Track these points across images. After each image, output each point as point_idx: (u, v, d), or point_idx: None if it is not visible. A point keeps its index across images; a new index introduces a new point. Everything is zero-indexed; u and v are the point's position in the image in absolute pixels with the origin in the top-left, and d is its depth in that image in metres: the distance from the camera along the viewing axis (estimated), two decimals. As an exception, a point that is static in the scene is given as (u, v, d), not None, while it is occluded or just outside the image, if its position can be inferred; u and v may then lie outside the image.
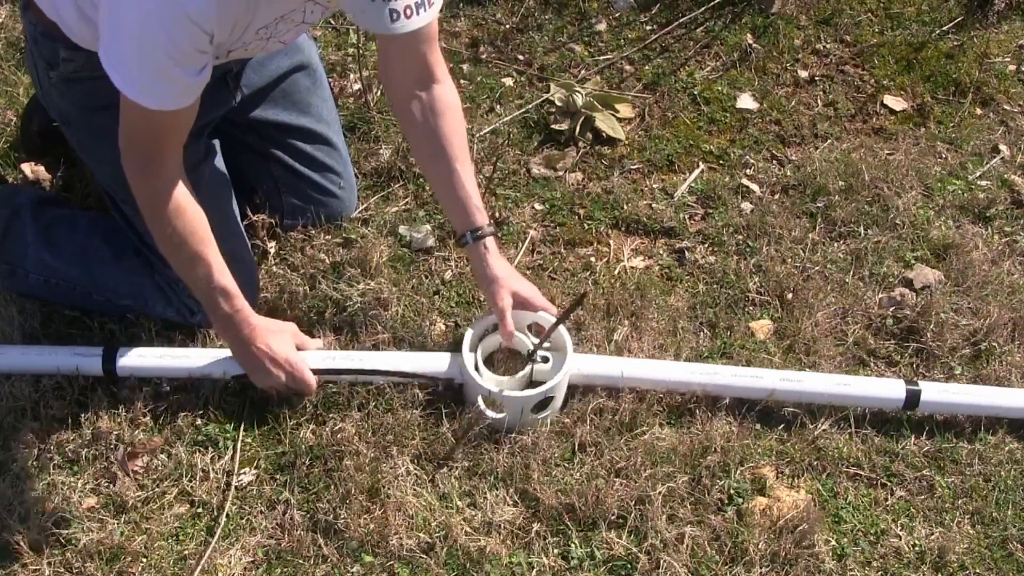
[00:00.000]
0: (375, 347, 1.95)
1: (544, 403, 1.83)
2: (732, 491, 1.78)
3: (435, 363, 1.86)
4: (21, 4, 1.76)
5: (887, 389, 1.89)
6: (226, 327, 1.75)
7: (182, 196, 1.61)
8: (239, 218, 1.99)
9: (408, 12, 1.42)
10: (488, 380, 1.81)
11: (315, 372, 1.82)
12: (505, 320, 1.80)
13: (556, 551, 1.69)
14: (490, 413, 1.80)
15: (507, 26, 2.78)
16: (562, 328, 1.83)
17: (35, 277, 1.94)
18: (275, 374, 1.77)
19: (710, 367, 1.92)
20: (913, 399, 1.87)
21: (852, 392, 1.89)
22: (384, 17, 1.41)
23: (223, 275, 1.68)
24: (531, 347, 1.84)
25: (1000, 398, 1.91)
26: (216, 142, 1.96)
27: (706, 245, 2.27)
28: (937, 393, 1.89)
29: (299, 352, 1.81)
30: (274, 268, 2.11)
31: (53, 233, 1.94)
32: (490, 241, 1.82)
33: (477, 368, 1.82)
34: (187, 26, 1.38)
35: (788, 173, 2.47)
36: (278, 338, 1.79)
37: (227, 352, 1.84)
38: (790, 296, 2.14)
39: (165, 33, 1.38)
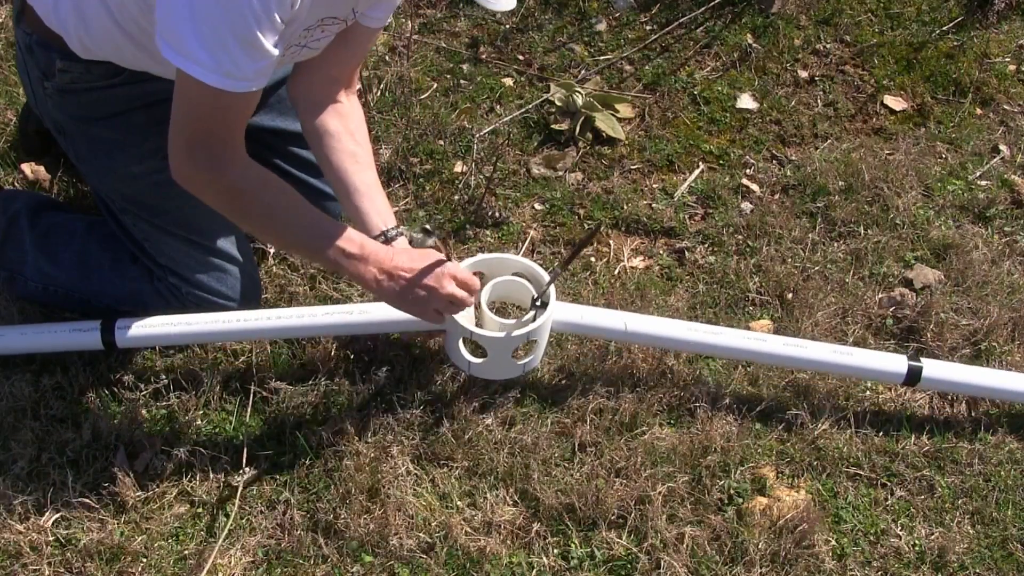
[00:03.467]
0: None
1: (525, 349, 1.81)
2: (732, 491, 1.78)
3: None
4: (14, 14, 1.74)
5: (889, 363, 1.88)
6: (363, 272, 1.62)
7: (258, 171, 1.56)
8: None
9: None
10: (486, 321, 1.78)
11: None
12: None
13: (556, 551, 1.69)
14: (470, 358, 1.79)
15: (507, 26, 2.78)
16: (547, 279, 1.80)
17: (35, 284, 1.94)
18: (444, 288, 1.63)
19: (714, 327, 1.89)
20: (914, 375, 1.86)
21: (854, 363, 1.87)
22: None
23: (335, 223, 1.61)
24: (534, 294, 1.81)
25: (1001, 381, 1.90)
26: None
27: (706, 245, 2.27)
28: (938, 371, 1.88)
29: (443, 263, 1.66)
30: (274, 268, 2.11)
31: (50, 240, 1.94)
32: (401, 242, 1.76)
33: (480, 315, 1.79)
34: None
35: (788, 173, 2.47)
36: (422, 252, 1.68)
37: (224, 315, 1.83)
38: (790, 296, 2.14)
39: None
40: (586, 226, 2.29)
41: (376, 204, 1.77)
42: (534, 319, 1.77)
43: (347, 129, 1.78)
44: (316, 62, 1.75)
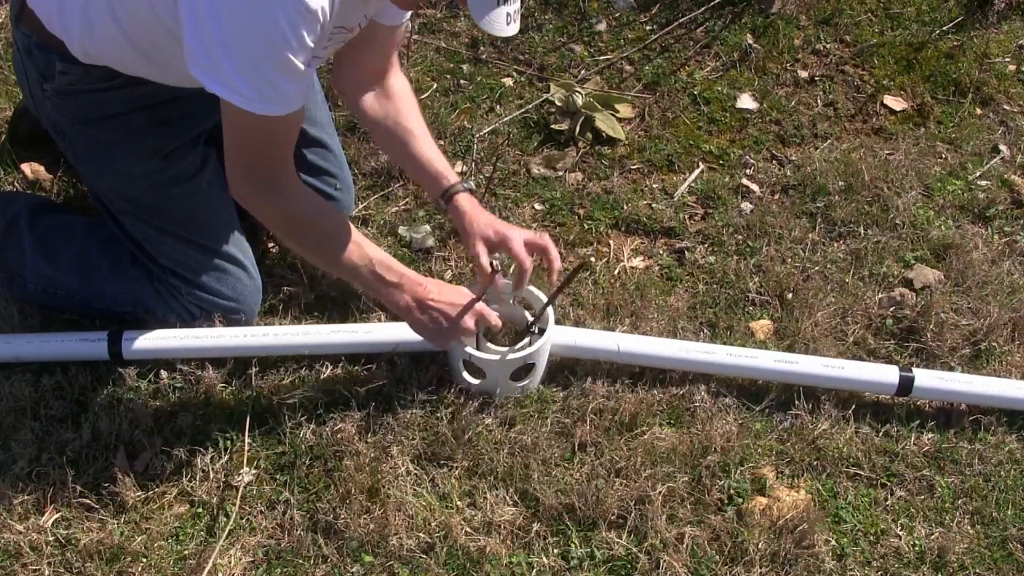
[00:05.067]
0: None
1: (524, 372, 1.85)
2: (732, 491, 1.78)
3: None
4: (12, 16, 1.74)
5: (881, 374, 1.89)
6: (397, 299, 1.72)
7: (311, 196, 1.65)
8: (240, 221, 1.99)
9: (515, 17, 1.48)
10: (486, 350, 1.84)
11: None
12: (480, 266, 1.83)
13: (556, 551, 1.69)
14: (470, 379, 1.85)
15: (507, 26, 2.78)
16: (544, 300, 1.86)
17: (34, 286, 1.93)
18: (465, 322, 1.75)
19: (706, 346, 1.93)
20: (906, 385, 1.88)
21: (846, 375, 1.89)
22: (501, 20, 1.46)
23: (376, 249, 1.70)
24: (529, 320, 1.87)
25: (993, 388, 1.91)
26: (213, 149, 1.96)
27: (706, 245, 2.27)
28: (930, 380, 1.89)
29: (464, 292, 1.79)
30: (274, 268, 2.11)
31: (50, 242, 1.94)
32: (462, 198, 1.85)
33: (477, 340, 1.85)
34: (304, 14, 1.37)
35: (788, 173, 2.47)
36: (449, 286, 1.79)
37: (225, 331, 1.86)
38: (790, 296, 2.14)
39: (284, 20, 1.36)
40: (586, 226, 2.29)
41: (427, 173, 1.87)
42: (530, 344, 1.83)
43: (387, 110, 1.88)
44: (350, 64, 1.85)
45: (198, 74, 1.42)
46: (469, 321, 1.75)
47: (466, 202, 1.84)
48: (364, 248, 1.68)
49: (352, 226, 1.68)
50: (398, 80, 1.90)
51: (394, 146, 1.90)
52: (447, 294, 1.75)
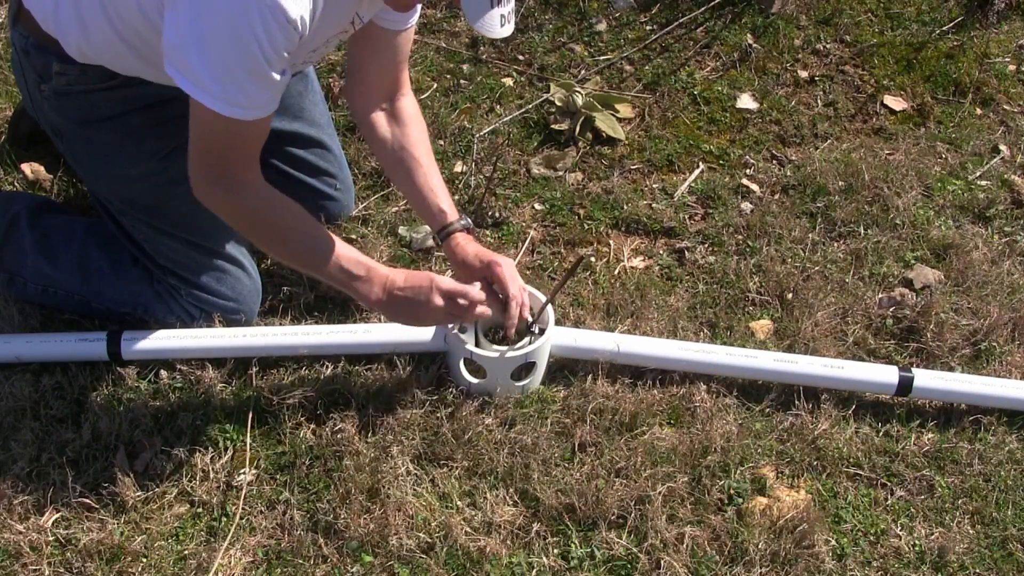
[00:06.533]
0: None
1: (524, 371, 1.86)
2: (732, 491, 1.78)
3: (422, 332, 1.88)
4: (10, 16, 1.74)
5: (880, 374, 1.90)
6: (367, 292, 1.70)
7: (273, 195, 1.63)
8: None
9: (509, 18, 1.49)
10: (482, 347, 1.84)
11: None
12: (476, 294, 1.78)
13: (556, 551, 1.69)
14: (470, 378, 1.85)
15: (507, 26, 2.78)
16: (543, 300, 1.87)
17: (34, 286, 1.93)
18: (433, 301, 1.70)
19: (705, 346, 1.94)
20: (906, 385, 1.88)
21: (846, 375, 1.89)
22: (495, 21, 1.47)
23: (342, 245, 1.68)
24: (529, 319, 1.87)
25: (992, 387, 1.91)
26: None
27: (706, 245, 2.27)
28: (930, 380, 1.90)
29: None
30: (274, 268, 2.11)
31: (50, 242, 1.94)
32: (459, 237, 1.85)
33: (477, 341, 1.85)
34: (283, 25, 1.38)
35: (788, 173, 2.47)
36: (415, 273, 1.76)
37: (224, 331, 1.87)
38: (790, 296, 2.14)
39: (262, 29, 1.37)
40: (586, 226, 2.29)
41: (428, 207, 1.87)
42: (530, 343, 1.83)
43: (395, 136, 1.87)
44: (358, 81, 1.85)
45: (171, 71, 1.44)
46: (439, 300, 1.69)
47: (461, 241, 1.85)
48: (328, 244, 1.66)
49: (316, 222, 1.67)
50: (409, 103, 1.89)
51: (398, 172, 1.89)
52: (414, 280, 1.72)
